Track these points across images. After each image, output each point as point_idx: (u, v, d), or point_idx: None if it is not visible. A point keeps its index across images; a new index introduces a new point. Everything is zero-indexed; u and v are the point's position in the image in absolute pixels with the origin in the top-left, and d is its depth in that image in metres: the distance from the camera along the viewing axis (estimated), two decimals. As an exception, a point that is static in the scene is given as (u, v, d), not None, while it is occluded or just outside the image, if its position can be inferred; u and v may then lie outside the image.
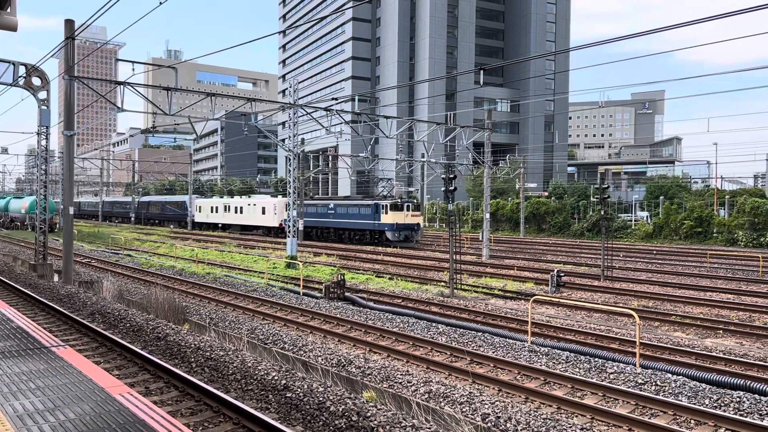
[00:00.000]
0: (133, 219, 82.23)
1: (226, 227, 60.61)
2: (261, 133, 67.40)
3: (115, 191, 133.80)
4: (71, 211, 21.53)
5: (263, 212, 53.00)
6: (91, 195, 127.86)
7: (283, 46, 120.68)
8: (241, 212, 56.42)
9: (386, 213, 41.49)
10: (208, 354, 10.99)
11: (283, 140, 62.09)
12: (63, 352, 8.68)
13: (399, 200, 43.23)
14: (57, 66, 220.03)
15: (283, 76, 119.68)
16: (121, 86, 22.39)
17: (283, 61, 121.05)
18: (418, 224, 43.89)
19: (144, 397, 6.96)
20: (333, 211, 46.94)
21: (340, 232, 46.82)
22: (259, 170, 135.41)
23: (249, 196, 60.31)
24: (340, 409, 7.97)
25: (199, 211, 63.97)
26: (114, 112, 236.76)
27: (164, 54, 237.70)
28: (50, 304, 15.43)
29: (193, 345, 11.61)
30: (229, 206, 59.05)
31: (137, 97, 23.03)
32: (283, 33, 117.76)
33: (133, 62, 23.13)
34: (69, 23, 20.75)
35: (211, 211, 61.65)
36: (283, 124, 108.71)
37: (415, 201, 47.16)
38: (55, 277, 22.67)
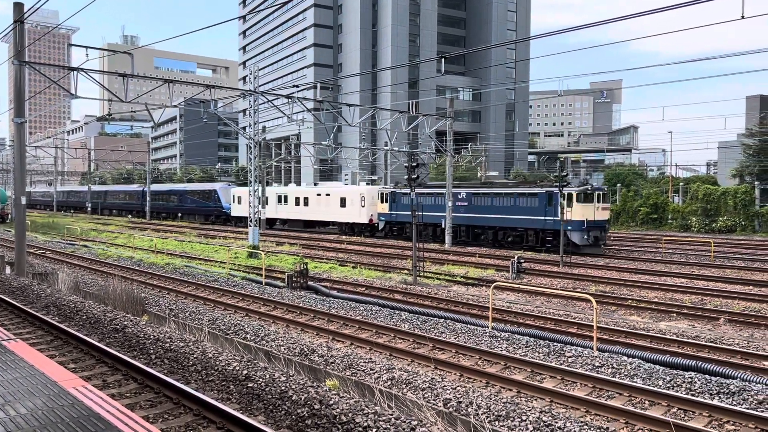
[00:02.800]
0: (132, 212, 72.75)
1: (283, 223, 50.24)
2: (221, 120, 59.30)
3: (71, 180, 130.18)
4: (23, 201, 20.86)
5: (343, 204, 41.91)
6: (74, 184, 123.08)
7: (244, 32, 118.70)
8: (306, 204, 45.54)
9: (570, 205, 29.23)
10: (167, 345, 10.82)
11: (244, 128, 61.17)
12: (14, 345, 8.42)
13: (588, 187, 30.88)
14: (6, 50, 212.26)
15: (244, 63, 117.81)
16: (75, 72, 21.71)
17: (244, 48, 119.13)
18: (608, 221, 33.16)
19: (100, 391, 6.81)
20: (466, 203, 34.69)
21: (478, 231, 34.61)
22: (220, 158, 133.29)
23: (315, 184, 49.45)
24: (303, 398, 7.94)
25: (239, 203, 51.59)
26: (68, 99, 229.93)
27: (120, 39, 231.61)
28: (1, 296, 14.96)
29: (152, 336, 11.42)
30: (286, 196, 47.90)
31: (92, 83, 22.40)
32: (243, 18, 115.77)
33: (87, 47, 22.44)
34: (18, 6, 20.00)
35: (238, 202, 51.70)
36: (244, 111, 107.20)
37: (605, 188, 33.62)
38: (7, 270, 21.96)
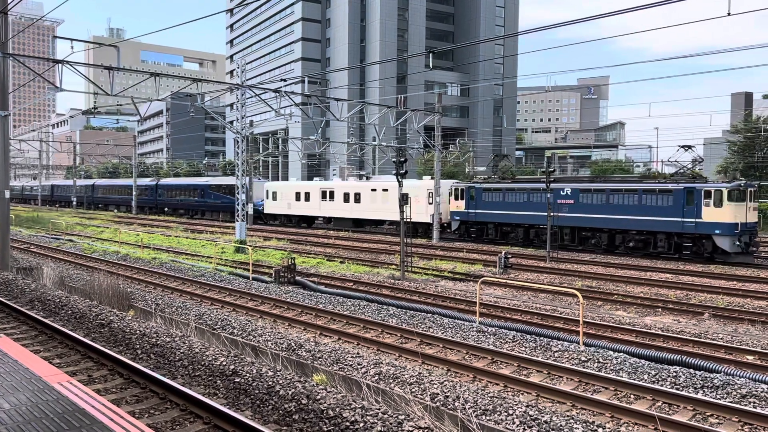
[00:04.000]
0: (132, 207, 66.70)
1: (327, 222, 45.06)
2: (208, 114, 55.36)
3: (56, 174, 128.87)
4: (7, 194, 20.63)
5: (405, 200, 39.97)
6: (59, 178, 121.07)
7: (231, 26, 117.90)
8: (358, 200, 40.47)
9: (717, 204, 25.10)
10: (154, 340, 10.76)
11: (231, 122, 60.82)
12: (-2, 341, 8.33)
13: (741, 182, 26.69)
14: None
15: (231, 57, 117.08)
16: (60, 65, 21.46)
17: (231, 41, 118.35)
18: (758, 224, 28.92)
19: (85, 386, 6.76)
20: (572, 200, 29.79)
21: (587, 234, 29.93)
22: (207, 153, 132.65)
23: (366, 178, 43.47)
24: (290, 393, 7.93)
25: (273, 199, 47.17)
26: (52, 92, 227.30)
27: (106, 32, 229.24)
28: (-15, 291, 14.79)
29: (138, 331, 11.34)
30: (332, 192, 42.69)
31: (77, 76, 22.17)
32: (231, 12, 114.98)
33: (72, 40, 22.17)
34: (1, -3, 19.69)
35: (297, 199, 45.43)
36: (231, 105, 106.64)
37: (755, 184, 28.62)
38: (-9, 264, 21.70)
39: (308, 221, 46.56)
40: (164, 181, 66.10)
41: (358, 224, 42.16)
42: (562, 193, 30.20)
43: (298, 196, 45.47)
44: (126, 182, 72.98)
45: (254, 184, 50.34)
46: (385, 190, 38.64)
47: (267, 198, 47.99)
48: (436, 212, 34.80)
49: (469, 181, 36.33)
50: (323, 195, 43.43)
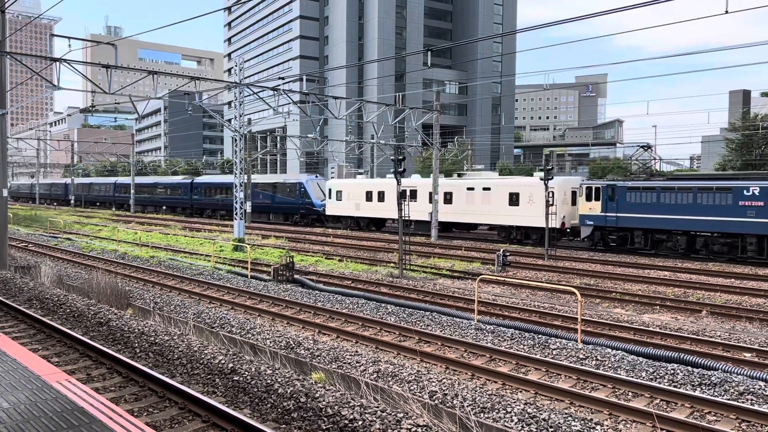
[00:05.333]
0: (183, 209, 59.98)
1: (408, 225, 35.91)
2: (206, 113, 52.53)
3: (53, 173, 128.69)
4: (5, 193, 20.60)
5: (514, 201, 32.02)
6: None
7: (229, 24, 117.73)
8: (449, 201, 35.47)
9: None
10: (152, 339, 10.76)
11: (229, 120, 60.66)
12: (-3, 339, 8.32)
13: None
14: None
15: (229, 55, 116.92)
16: (57, 63, 21.43)
17: (229, 39, 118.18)
18: None
19: (84, 385, 6.76)
20: (762, 202, 24.40)
21: (661, 237, 27.20)
22: (205, 151, 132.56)
23: (459, 176, 37.81)
24: (289, 391, 7.94)
25: (337, 199, 42.17)
26: (50, 91, 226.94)
27: (103, 30, 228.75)
28: (-17, 290, 14.78)
29: (136, 330, 11.35)
30: (414, 191, 37.47)
31: (75, 74, 22.15)
32: (229, 10, 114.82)
33: (69, 38, 22.15)
34: (-2, -5, 19.65)
35: (367, 199, 40.13)
36: (229, 103, 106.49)
37: None
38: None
39: (378, 224, 41.58)
40: (201, 179, 59.63)
41: (446, 228, 37.39)
42: (746, 193, 24.94)
43: (369, 196, 40.03)
44: (166, 180, 66.06)
45: (314, 182, 46.36)
46: (486, 189, 33.32)
47: (329, 198, 42.93)
48: (435, 211, 34.78)
49: (611, 179, 30.37)
50: (403, 195, 37.25)
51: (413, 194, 37.46)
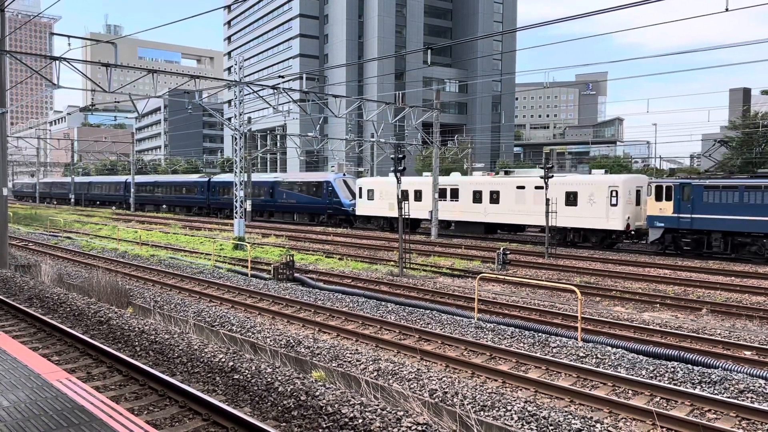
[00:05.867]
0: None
1: (446, 226, 36.38)
2: (206, 111, 50.63)
3: (53, 171, 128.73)
4: (5, 192, 20.61)
5: (571, 201, 29.52)
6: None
7: (229, 22, 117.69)
8: (496, 200, 32.77)
9: None
10: (152, 337, 10.77)
11: (229, 119, 60.64)
12: (-3, 338, 8.33)
13: None
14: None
15: (229, 53, 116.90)
16: (57, 62, 21.42)
17: (229, 38, 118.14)
18: None
19: (84, 383, 6.76)
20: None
21: (743, 241, 25.14)
22: (205, 150, 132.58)
23: (507, 173, 35.24)
24: (289, 389, 7.94)
25: (369, 198, 39.62)
26: (50, 89, 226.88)
27: (103, 29, 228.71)
28: (-17, 289, 14.79)
29: (137, 328, 11.35)
30: (455, 190, 35.00)
31: (75, 73, 22.12)
32: (228, 8, 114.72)
33: (69, 36, 22.15)
34: (-2, -6, 19.63)
35: (404, 198, 35.86)
36: (229, 102, 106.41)
37: None
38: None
39: (414, 225, 38.25)
40: (219, 177, 56.74)
41: (490, 230, 34.82)
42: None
43: (404, 196, 38.10)
44: (181, 179, 62.93)
45: (342, 180, 43.72)
46: (539, 187, 30.15)
47: (359, 197, 40.38)
48: (435, 209, 34.76)
49: (685, 177, 28.32)
50: (441, 193, 35.65)
51: (454, 193, 35.29)
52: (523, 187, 31.80)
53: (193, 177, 60.09)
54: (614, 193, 28.31)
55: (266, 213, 50.50)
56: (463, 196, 34.87)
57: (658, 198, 27.07)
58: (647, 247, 29.15)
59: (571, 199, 29.72)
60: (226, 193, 52.29)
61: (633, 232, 28.53)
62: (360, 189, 40.64)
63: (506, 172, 35.40)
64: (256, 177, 52.55)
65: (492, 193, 33.13)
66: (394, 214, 36.12)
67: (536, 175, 31.89)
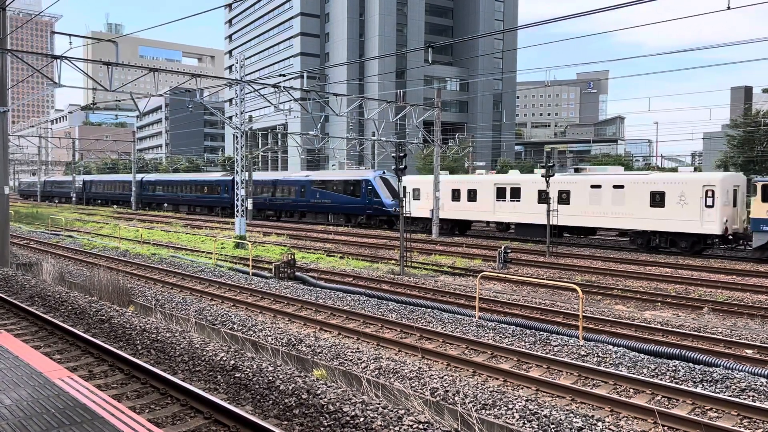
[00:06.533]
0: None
1: (503, 228, 35.08)
2: (207, 110, 48.81)
3: (54, 170, 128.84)
4: (6, 191, 20.63)
5: (657, 201, 26.80)
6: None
7: (230, 21, 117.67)
8: (566, 200, 29.87)
9: None
10: (154, 336, 10.78)
11: (230, 117, 60.61)
12: (-1, 337, 8.34)
13: None
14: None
15: (230, 52, 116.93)
16: (58, 60, 21.41)
17: (230, 36, 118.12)
18: None
19: (86, 381, 6.77)
20: None
21: None
22: (206, 148, 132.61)
23: (577, 170, 33.25)
24: (290, 388, 7.95)
25: (415, 198, 36.83)
26: (51, 88, 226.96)
27: (104, 28, 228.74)
28: (-15, 287, 14.81)
29: (138, 327, 11.36)
30: (516, 189, 31.99)
31: (76, 72, 22.20)
32: (229, 7, 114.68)
33: (70, 35, 22.18)
34: (-1, -8, 19.64)
35: (454, 198, 34.89)
36: (230, 101, 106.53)
37: None
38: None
39: (462, 227, 36.57)
40: (245, 175, 56.68)
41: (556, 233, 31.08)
42: None
43: (456, 195, 34.79)
44: (200, 177, 59.91)
45: (384, 179, 41.00)
46: (618, 186, 27.97)
47: (406, 197, 35.85)
48: (436, 208, 34.75)
49: None
50: (500, 193, 32.60)
51: (515, 193, 32.19)
52: (598, 186, 28.98)
53: (216, 175, 57.20)
54: (710, 193, 25.57)
55: (297, 214, 48.08)
56: (525, 196, 31.72)
57: (765, 199, 24.03)
58: (747, 254, 26.58)
59: (657, 199, 26.88)
60: (256, 192, 50.38)
61: (731, 237, 25.91)
62: (404, 188, 37.18)
63: (576, 170, 32.90)
64: (285, 176, 50.26)
65: (561, 192, 30.14)
66: (444, 214, 35.40)
67: (614, 173, 30.08)
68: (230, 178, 52.94)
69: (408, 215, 31.83)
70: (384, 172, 42.60)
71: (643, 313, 15.31)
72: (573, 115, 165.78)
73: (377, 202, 40.12)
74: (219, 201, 54.28)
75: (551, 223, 28.34)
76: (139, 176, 69.61)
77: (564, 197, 30.02)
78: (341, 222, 43.32)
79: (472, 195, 34.41)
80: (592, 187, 29.24)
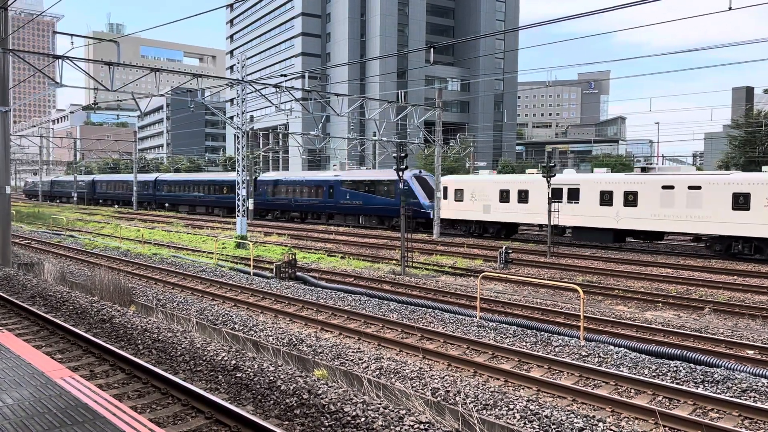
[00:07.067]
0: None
1: (557, 231, 31.04)
2: (208, 110, 47.20)
3: (56, 170, 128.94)
4: (8, 190, 20.66)
5: (741, 204, 24.63)
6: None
7: (231, 21, 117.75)
8: (632, 203, 27.59)
9: None
10: (155, 336, 10.78)
11: (232, 117, 60.66)
12: (0, 336, 8.35)
13: None
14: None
15: (231, 52, 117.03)
16: (60, 60, 21.44)
17: (231, 36, 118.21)
18: None
19: (87, 381, 6.78)
20: None
21: None
22: (207, 148, 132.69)
23: (644, 170, 30.71)
24: (291, 388, 7.95)
25: (456, 199, 34.60)
26: (52, 88, 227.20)
27: (106, 28, 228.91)
28: (-13, 287, 14.83)
29: (139, 327, 11.37)
30: (574, 189, 29.85)
31: (77, 72, 22.25)
32: (231, 7, 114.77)
33: (72, 35, 22.19)
34: (1, -8, 19.66)
35: (502, 199, 32.61)
36: (232, 101, 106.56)
37: None
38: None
39: (509, 230, 34.46)
40: (266, 176, 51.87)
41: (620, 237, 29.25)
42: None
43: (504, 195, 32.48)
44: (214, 177, 57.58)
45: (421, 179, 38.85)
46: (694, 187, 25.81)
47: (444, 198, 35.42)
48: (437, 207, 34.74)
49: None
50: (554, 194, 29.98)
51: (573, 194, 29.96)
52: (671, 187, 26.69)
53: (230, 175, 54.32)
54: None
55: (324, 215, 45.42)
56: (585, 198, 29.54)
57: None
58: None
59: (741, 201, 24.68)
60: (278, 192, 48.40)
61: None
62: (445, 188, 35.49)
63: (644, 169, 30.35)
64: (312, 175, 47.38)
65: (627, 194, 27.93)
66: (490, 217, 33.34)
67: (687, 173, 27.97)
68: (253, 178, 51.19)
69: (448, 218, 30.31)
70: (420, 172, 40.55)
71: (644, 313, 15.30)
72: (574, 115, 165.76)
73: (414, 203, 37.43)
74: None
75: (615, 227, 27.73)
76: (152, 176, 67.54)
77: (630, 199, 27.83)
78: (374, 224, 41.00)
79: (523, 196, 32.02)
80: (664, 188, 26.99)
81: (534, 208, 31.23)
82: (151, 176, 67.41)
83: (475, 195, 33.84)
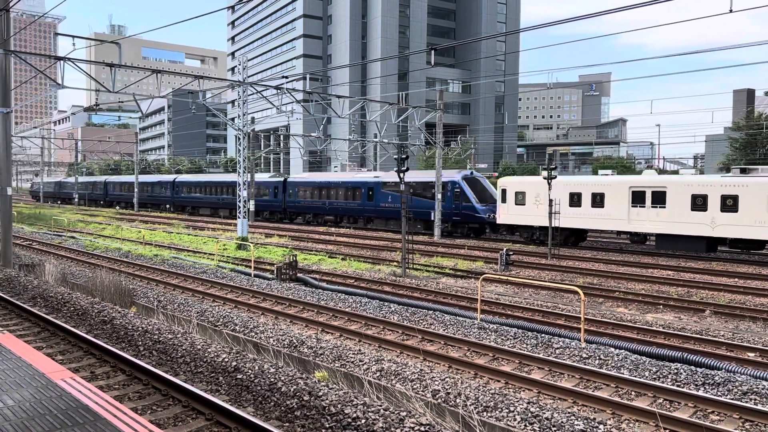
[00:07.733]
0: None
1: (637, 240, 29.08)
2: (209, 111, 46.73)
3: (57, 171, 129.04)
4: (9, 191, 20.69)
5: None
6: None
7: (233, 23, 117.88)
8: (732, 207, 24.80)
9: None
10: (156, 337, 10.79)
11: (233, 119, 60.69)
12: (0, 337, 8.36)
13: None
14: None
15: (233, 54, 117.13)
16: (61, 62, 21.47)
17: (233, 38, 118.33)
18: None
19: (88, 382, 6.79)
20: None
21: None
22: (208, 149, 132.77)
23: (744, 171, 26.90)
24: (292, 390, 7.96)
25: (517, 202, 31.51)
26: (54, 89, 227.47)
27: (107, 29, 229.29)
28: (-12, 288, 14.84)
29: (140, 328, 11.38)
30: (659, 192, 26.80)
31: (79, 73, 22.23)
32: (232, 9, 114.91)
33: (73, 37, 22.23)
34: (3, -6, 19.70)
35: (572, 203, 29.54)
36: (233, 102, 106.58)
37: None
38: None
39: (579, 237, 31.72)
40: (295, 177, 49.49)
41: (712, 246, 26.35)
42: None
43: (575, 199, 29.58)
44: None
45: (473, 181, 35.97)
46: None
47: (502, 201, 32.20)
48: (438, 209, 34.72)
49: None
50: (635, 197, 27.59)
51: (657, 197, 27.07)
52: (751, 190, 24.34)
53: (263, 176, 51.90)
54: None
55: (362, 219, 42.44)
56: (673, 201, 26.58)
57: None
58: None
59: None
60: (311, 195, 45.69)
61: None
62: (503, 191, 32.44)
63: (743, 170, 26.92)
64: (348, 177, 44.53)
65: (725, 198, 25.01)
66: (562, 223, 30.13)
67: None
68: (280, 179, 48.84)
69: (507, 223, 28.78)
70: (472, 173, 37.56)
71: (645, 315, 15.29)
72: (575, 117, 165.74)
73: (467, 207, 34.63)
74: (267, 204, 49.64)
75: (710, 235, 24.93)
76: (170, 177, 65.14)
77: (729, 203, 24.94)
78: (419, 230, 37.35)
79: (597, 200, 29.14)
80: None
81: (611, 213, 28.45)
82: (169, 177, 64.96)
83: (539, 198, 30.52)
